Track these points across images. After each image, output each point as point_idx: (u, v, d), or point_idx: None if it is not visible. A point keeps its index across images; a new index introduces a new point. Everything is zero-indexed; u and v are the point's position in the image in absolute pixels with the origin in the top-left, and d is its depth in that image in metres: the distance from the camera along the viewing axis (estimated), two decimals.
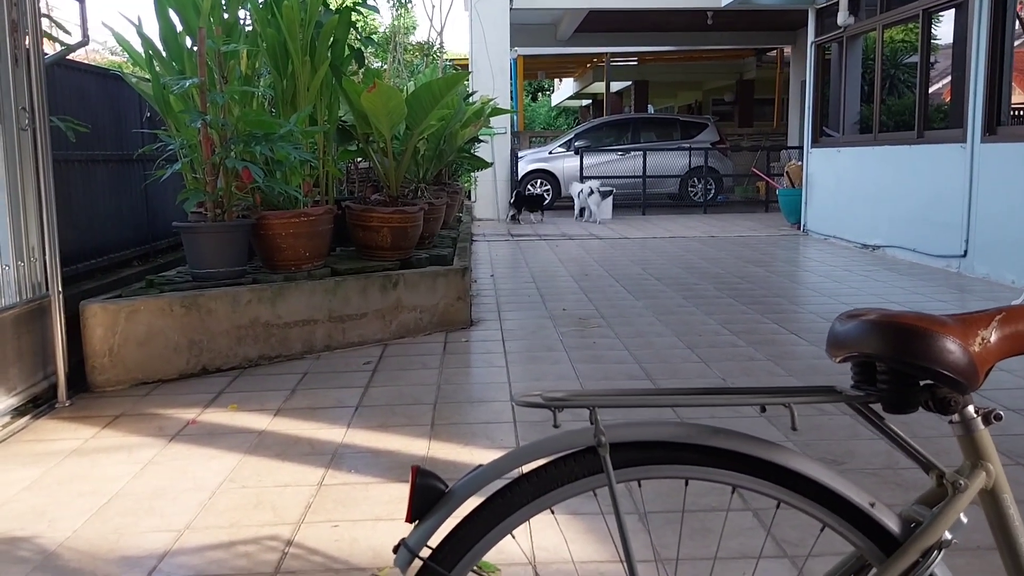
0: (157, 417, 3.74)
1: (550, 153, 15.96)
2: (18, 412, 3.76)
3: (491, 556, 1.12)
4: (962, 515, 1.04)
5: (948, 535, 1.02)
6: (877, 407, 1.08)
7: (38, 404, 3.90)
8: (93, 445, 3.41)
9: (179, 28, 4.85)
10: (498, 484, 1.10)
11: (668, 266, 8.20)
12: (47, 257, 3.99)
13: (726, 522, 2.57)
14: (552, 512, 1.09)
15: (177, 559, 2.42)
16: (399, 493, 2.85)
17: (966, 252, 7.41)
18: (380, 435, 3.46)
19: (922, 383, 1.05)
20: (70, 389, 4.01)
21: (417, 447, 3.31)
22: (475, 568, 1.09)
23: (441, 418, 3.67)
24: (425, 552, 1.07)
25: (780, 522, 2.52)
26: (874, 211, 9.12)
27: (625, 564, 1.07)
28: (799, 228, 11.23)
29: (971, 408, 1.05)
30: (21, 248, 3.91)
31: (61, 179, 4.49)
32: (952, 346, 0.98)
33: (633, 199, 14.73)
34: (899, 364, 1.00)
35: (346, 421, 3.64)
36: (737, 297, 6.42)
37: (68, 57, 4.77)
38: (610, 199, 13.71)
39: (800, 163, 11.67)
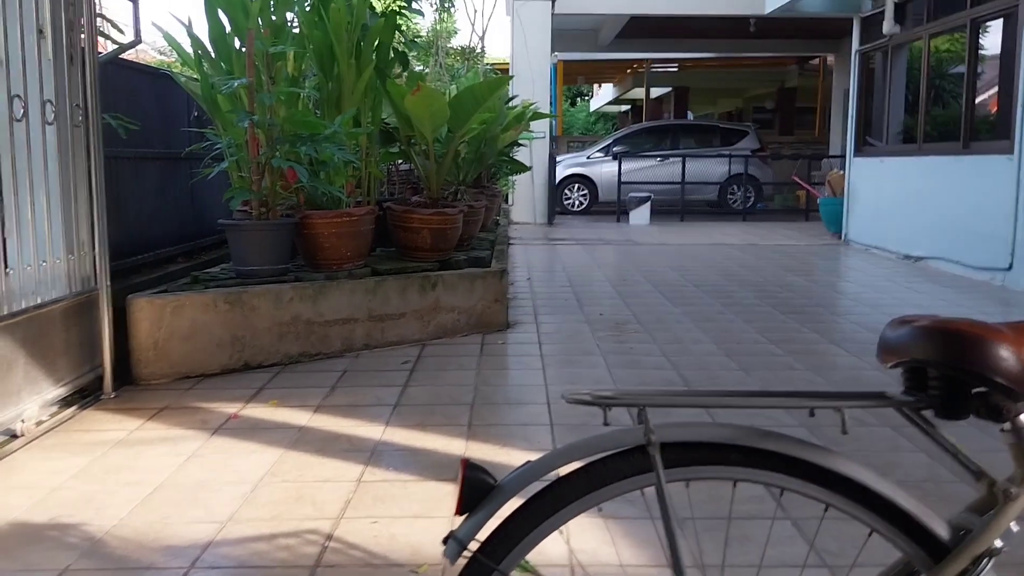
0: (200, 411, 3.81)
1: (588, 158, 15.95)
2: (65, 403, 3.85)
3: (531, 557, 1.14)
4: (1013, 524, 1.04)
5: (999, 543, 1.02)
6: (928, 414, 1.08)
7: (85, 395, 3.99)
8: (138, 436, 3.48)
9: (228, 29, 4.94)
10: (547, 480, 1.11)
11: (707, 273, 8.16)
12: (96, 251, 4.09)
13: (771, 530, 2.56)
14: (600, 510, 1.11)
15: (220, 550, 2.47)
16: (437, 492, 2.88)
17: (1011, 265, 7.28)
18: (418, 434, 3.49)
19: (974, 391, 1.04)
20: (116, 381, 4.09)
21: (455, 447, 3.34)
22: (520, 564, 1.11)
23: (478, 419, 3.69)
24: (474, 545, 1.08)
25: (821, 533, 2.51)
26: (917, 222, 8.99)
27: (671, 561, 1.08)
28: (840, 238, 11.11)
29: (1023, 416, 1.05)
30: (72, 242, 4.00)
31: (111, 175, 4.59)
32: (1005, 353, 0.98)
33: (671, 205, 14.66)
34: (952, 370, 1.00)
35: (385, 419, 3.68)
36: (776, 306, 6.37)
37: (120, 56, 4.87)
38: (648, 204, 13.67)
39: (842, 172, 11.55)
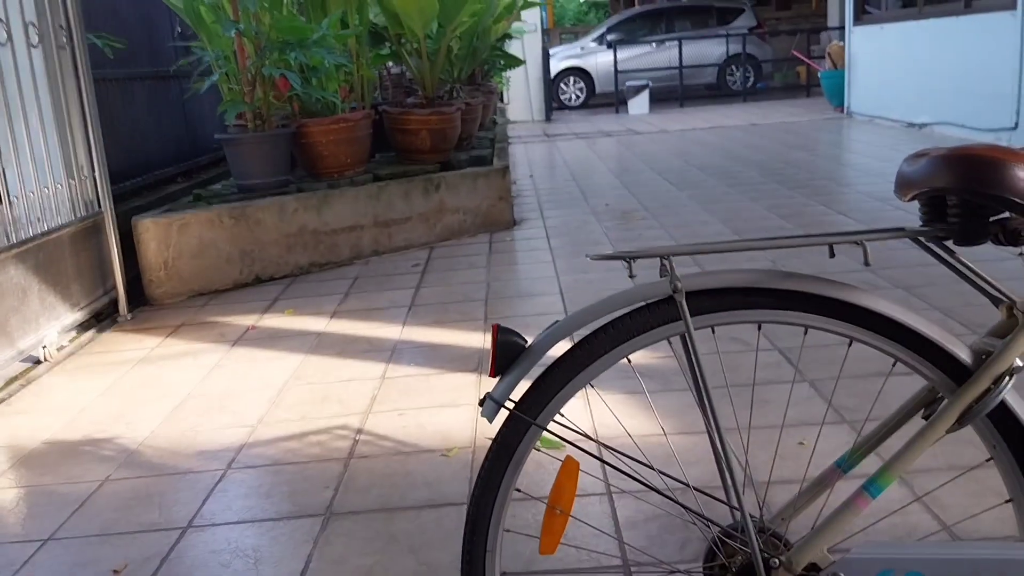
0: (217, 325, 3.85)
1: (582, 49, 15.61)
2: (83, 327, 3.89)
3: (556, 430, 1.17)
4: None
5: (1019, 362, 1.04)
6: (947, 243, 1.08)
7: (100, 319, 4.03)
8: (159, 353, 3.53)
9: None
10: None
11: (710, 156, 8.09)
12: (96, 175, 4.06)
13: (790, 393, 2.61)
14: (628, 361, 1.13)
15: (253, 450, 2.53)
16: (461, 382, 2.93)
17: (1017, 124, 7.18)
18: (436, 331, 3.53)
19: (992, 219, 1.05)
20: (130, 303, 4.12)
21: (473, 340, 3.38)
22: (539, 449, 1.13)
23: (494, 313, 3.73)
24: (510, 404, 1.11)
25: (839, 391, 2.56)
26: (920, 87, 8.84)
27: (699, 403, 1.10)
28: (843, 111, 10.95)
29: None
30: (71, 166, 3.98)
31: (102, 98, 4.51)
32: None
33: (670, 92, 14.42)
34: (971, 195, 1.00)
35: (401, 320, 3.72)
36: (782, 182, 6.34)
37: None
38: (646, 93, 13.45)
39: (842, 43, 11.30)
